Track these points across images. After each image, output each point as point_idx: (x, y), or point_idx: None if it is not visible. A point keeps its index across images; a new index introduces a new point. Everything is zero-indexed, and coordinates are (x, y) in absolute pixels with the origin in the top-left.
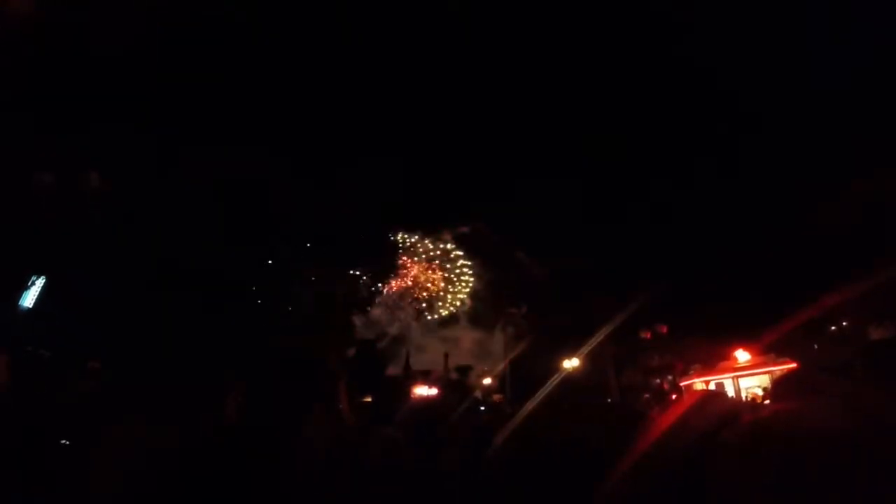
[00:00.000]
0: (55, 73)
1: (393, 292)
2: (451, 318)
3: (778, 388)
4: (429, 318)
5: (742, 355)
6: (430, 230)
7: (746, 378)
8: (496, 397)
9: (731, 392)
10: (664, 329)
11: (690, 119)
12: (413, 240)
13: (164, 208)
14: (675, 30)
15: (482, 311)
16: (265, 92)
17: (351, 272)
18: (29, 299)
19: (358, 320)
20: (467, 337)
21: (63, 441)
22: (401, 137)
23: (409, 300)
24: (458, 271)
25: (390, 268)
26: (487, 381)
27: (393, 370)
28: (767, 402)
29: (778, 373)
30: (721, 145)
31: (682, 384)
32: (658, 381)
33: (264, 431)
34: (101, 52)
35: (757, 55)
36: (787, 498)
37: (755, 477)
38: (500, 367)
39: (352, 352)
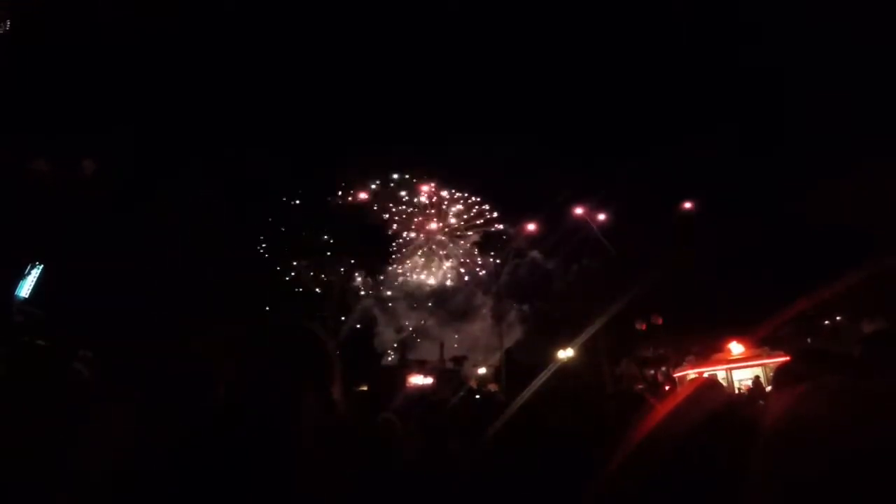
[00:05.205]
0: (52, 67)
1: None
2: (463, 314)
3: (776, 378)
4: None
5: (736, 347)
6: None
7: (740, 370)
8: (491, 387)
9: (724, 383)
10: (659, 320)
11: (687, 106)
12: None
13: (160, 197)
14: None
15: (490, 307)
16: (264, 84)
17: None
18: (26, 289)
19: (376, 313)
20: (464, 327)
21: (56, 427)
22: (408, 133)
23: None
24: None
25: (384, 258)
26: (482, 370)
27: (389, 359)
28: (766, 390)
29: (772, 365)
30: (716, 137)
31: (675, 375)
32: (652, 372)
33: (257, 411)
34: (99, 45)
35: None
36: (786, 485)
37: (754, 466)
38: (496, 357)
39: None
